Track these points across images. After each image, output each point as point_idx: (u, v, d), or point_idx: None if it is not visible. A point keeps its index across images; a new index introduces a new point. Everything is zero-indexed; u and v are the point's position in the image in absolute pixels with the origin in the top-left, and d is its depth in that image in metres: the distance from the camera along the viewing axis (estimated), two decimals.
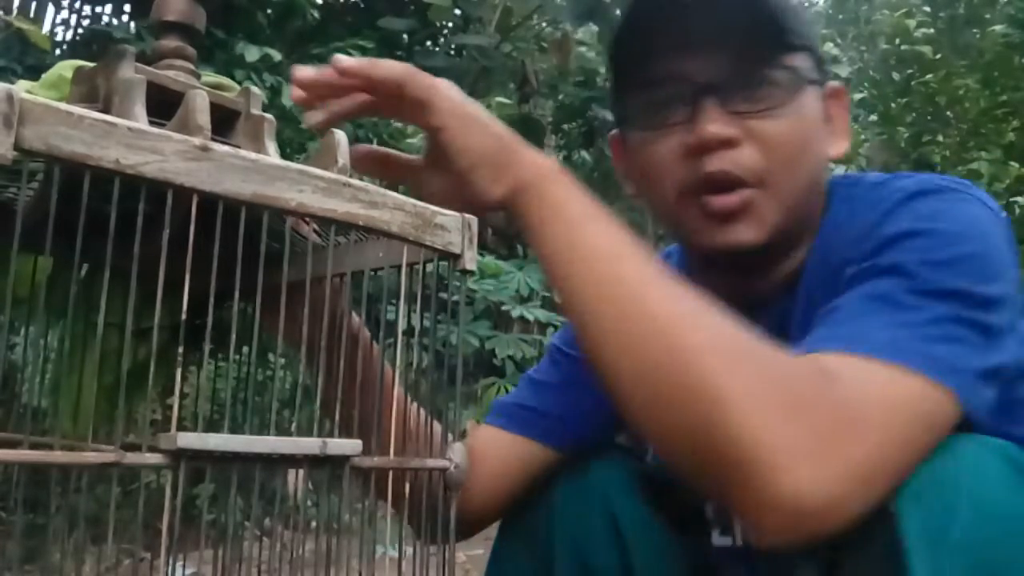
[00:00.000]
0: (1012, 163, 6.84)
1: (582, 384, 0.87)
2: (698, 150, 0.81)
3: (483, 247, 4.50)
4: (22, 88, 0.54)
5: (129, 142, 0.45)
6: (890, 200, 0.79)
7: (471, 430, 0.98)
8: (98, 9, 4.35)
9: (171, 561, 0.47)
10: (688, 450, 0.66)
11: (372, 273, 0.66)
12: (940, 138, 7.96)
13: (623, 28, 0.85)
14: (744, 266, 0.85)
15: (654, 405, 0.66)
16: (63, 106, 0.44)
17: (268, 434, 0.53)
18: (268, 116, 0.63)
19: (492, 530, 1.00)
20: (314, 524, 0.57)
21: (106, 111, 0.54)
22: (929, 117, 8.03)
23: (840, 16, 11.82)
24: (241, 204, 0.49)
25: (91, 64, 0.62)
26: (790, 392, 0.63)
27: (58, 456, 0.45)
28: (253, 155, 0.50)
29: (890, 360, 0.66)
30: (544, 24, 4.73)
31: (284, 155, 0.56)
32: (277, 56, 3.74)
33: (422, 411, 0.68)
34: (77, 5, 4.34)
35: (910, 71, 8.39)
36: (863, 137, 8.05)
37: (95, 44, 4.03)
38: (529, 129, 4.32)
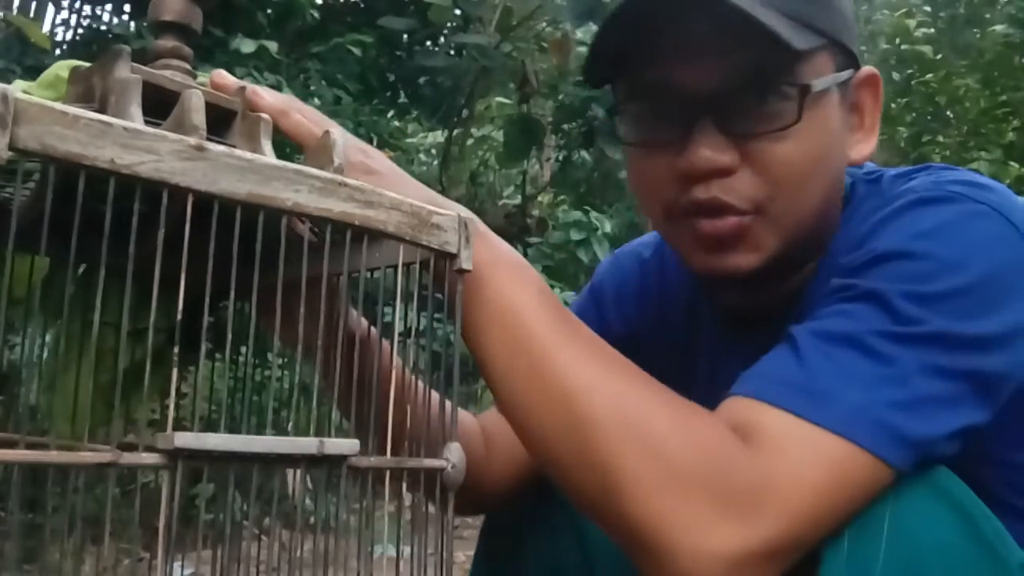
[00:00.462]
0: (1012, 163, 6.84)
1: None
2: (688, 178, 0.73)
3: None
4: (18, 88, 0.54)
5: (124, 142, 0.45)
6: (891, 206, 0.72)
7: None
8: (98, 9, 4.35)
9: (169, 561, 0.47)
10: (597, 517, 0.65)
11: (369, 274, 0.65)
12: (940, 138, 7.97)
13: (612, 20, 0.73)
14: (743, 285, 0.79)
15: (562, 467, 0.65)
16: (58, 106, 0.44)
17: (266, 433, 0.53)
18: (264, 116, 0.62)
19: None
20: (313, 523, 0.57)
21: (102, 111, 0.54)
22: (929, 117, 8.04)
23: None
24: (236, 204, 0.49)
25: (87, 64, 0.62)
26: (691, 466, 0.60)
27: (54, 456, 0.45)
28: (249, 155, 0.50)
29: (832, 431, 0.61)
30: (544, 24, 4.72)
31: (282, 155, 0.56)
32: (273, 46, 3.74)
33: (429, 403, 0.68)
34: (77, 5, 4.34)
35: (910, 71, 8.40)
36: None
37: (95, 44, 4.03)
38: (529, 129, 4.31)
